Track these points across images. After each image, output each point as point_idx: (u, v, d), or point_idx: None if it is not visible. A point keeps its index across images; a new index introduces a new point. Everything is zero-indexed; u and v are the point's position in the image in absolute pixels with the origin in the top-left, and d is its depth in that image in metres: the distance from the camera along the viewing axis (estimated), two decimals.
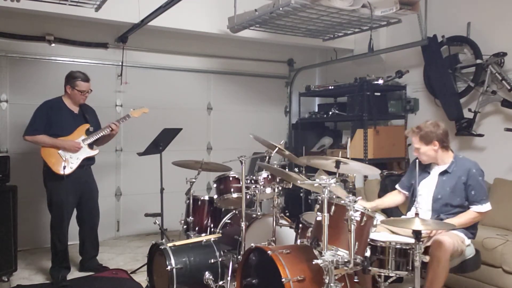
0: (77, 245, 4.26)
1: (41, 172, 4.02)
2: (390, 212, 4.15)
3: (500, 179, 4.13)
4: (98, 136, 4.03)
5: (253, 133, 3.60)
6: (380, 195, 4.34)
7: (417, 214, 2.50)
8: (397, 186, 3.47)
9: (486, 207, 3.01)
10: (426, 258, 2.66)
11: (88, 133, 4.01)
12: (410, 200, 3.30)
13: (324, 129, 6.38)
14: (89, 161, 4.07)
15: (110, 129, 4.04)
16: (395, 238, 2.83)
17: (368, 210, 2.63)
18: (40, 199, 4.92)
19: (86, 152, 3.98)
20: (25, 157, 4.90)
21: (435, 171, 3.18)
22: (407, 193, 3.38)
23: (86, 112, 4.10)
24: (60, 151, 3.86)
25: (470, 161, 3.11)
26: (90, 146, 4.03)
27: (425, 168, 3.23)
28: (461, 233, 3.02)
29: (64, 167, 3.81)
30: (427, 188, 3.17)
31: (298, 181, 3.13)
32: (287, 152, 3.50)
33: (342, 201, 2.60)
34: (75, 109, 4.06)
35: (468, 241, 3.04)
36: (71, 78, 3.98)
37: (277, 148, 3.49)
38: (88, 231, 4.21)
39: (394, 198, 3.48)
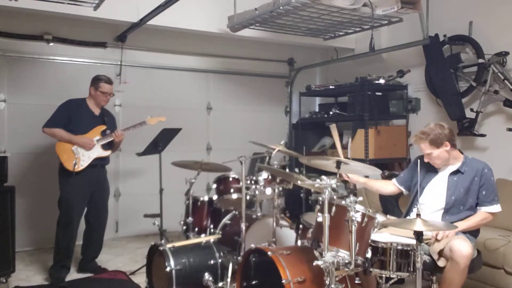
0: (79, 245, 4.23)
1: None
2: (392, 213, 4.12)
3: (503, 180, 4.09)
4: (109, 140, 4.07)
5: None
6: (380, 195, 4.30)
7: (418, 215, 2.47)
8: (394, 180, 3.37)
9: (496, 208, 2.97)
10: (442, 262, 2.61)
11: (103, 134, 4.08)
12: (412, 200, 3.24)
13: (324, 129, 6.34)
14: (102, 161, 4.12)
15: (114, 136, 4.08)
16: (396, 239, 2.80)
17: (369, 211, 2.61)
18: (39, 200, 4.91)
19: (98, 152, 4.03)
20: (24, 158, 4.89)
21: (445, 171, 3.10)
22: (403, 189, 3.32)
23: (106, 115, 4.18)
24: (73, 148, 3.93)
25: (480, 161, 3.07)
26: (104, 147, 4.06)
27: (431, 167, 3.14)
28: (468, 235, 2.96)
29: (75, 164, 3.86)
30: (437, 188, 3.09)
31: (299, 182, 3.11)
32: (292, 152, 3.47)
33: (343, 202, 2.57)
34: (96, 111, 4.14)
35: (473, 243, 3.00)
36: (96, 80, 4.10)
37: (277, 149, 3.46)
38: (94, 231, 4.21)
39: (386, 186, 3.43)
